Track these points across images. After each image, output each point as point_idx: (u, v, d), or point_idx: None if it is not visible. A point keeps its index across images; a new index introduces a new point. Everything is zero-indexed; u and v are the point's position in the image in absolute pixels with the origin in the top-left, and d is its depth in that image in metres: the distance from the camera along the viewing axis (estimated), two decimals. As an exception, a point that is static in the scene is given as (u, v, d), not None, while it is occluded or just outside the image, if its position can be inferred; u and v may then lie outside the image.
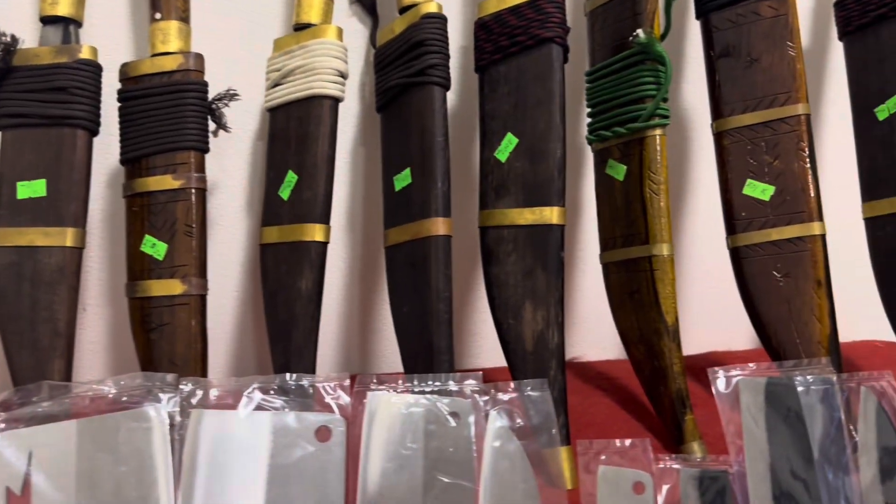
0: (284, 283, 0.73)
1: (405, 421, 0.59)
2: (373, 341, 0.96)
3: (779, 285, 0.78)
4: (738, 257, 0.80)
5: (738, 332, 0.97)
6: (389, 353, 0.95)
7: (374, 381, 0.60)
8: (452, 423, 0.59)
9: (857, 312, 0.91)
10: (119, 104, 0.75)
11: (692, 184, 1.03)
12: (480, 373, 0.60)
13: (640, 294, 0.79)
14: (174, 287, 0.71)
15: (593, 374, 0.91)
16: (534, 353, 0.73)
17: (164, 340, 0.70)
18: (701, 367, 0.89)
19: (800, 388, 0.67)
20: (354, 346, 0.94)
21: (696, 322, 1.01)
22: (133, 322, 0.72)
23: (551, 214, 0.74)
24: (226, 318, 0.89)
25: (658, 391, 0.78)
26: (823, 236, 0.77)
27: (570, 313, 1.01)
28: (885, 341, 0.99)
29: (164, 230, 0.71)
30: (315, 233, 0.73)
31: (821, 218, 0.78)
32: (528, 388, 0.62)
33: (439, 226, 0.72)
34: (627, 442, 0.62)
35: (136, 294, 0.72)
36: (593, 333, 1.00)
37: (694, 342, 0.98)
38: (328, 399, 0.60)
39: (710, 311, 1.01)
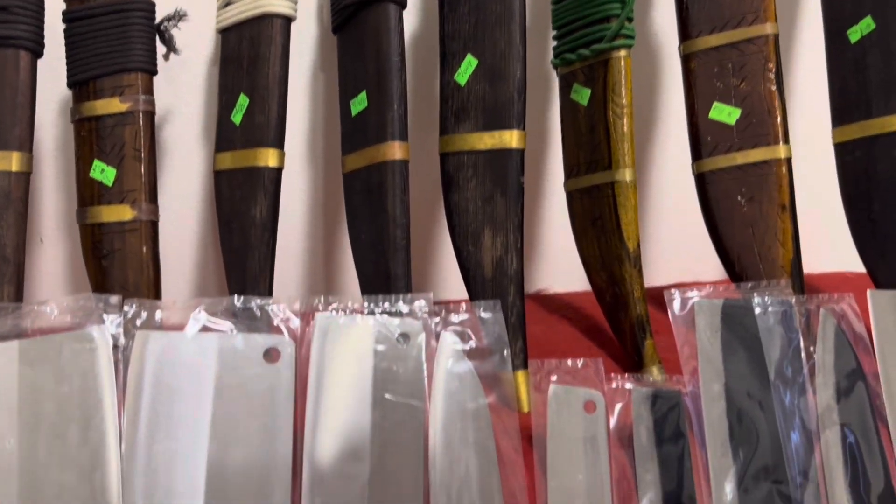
0: (238, 210, 0.72)
1: (354, 342, 0.58)
2: (335, 272, 0.95)
3: (742, 210, 0.77)
4: (703, 183, 0.79)
5: (706, 264, 0.96)
6: (352, 284, 0.94)
7: (324, 302, 0.59)
8: (402, 344, 0.59)
9: (829, 242, 0.91)
10: (65, 25, 0.73)
11: (663, 111, 1.00)
12: (430, 294, 0.60)
13: (602, 221, 0.78)
14: (124, 213, 0.69)
15: (558, 305, 0.90)
16: (493, 280, 0.72)
17: (115, 267, 0.69)
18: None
19: (757, 310, 0.66)
20: (318, 278, 0.94)
21: (663, 253, 1.00)
22: (84, 249, 0.71)
23: (511, 138, 0.72)
24: (183, 248, 0.88)
25: (618, 317, 0.78)
26: (789, 160, 0.76)
27: (537, 246, 1.01)
28: (855, 272, 0.99)
29: (113, 155, 0.69)
30: (268, 158, 0.72)
31: (787, 141, 0.76)
32: (481, 309, 0.61)
33: (395, 150, 0.70)
34: (579, 361, 0.61)
35: (87, 220, 0.71)
36: (560, 266, 1.00)
37: (662, 274, 0.98)
38: (277, 321, 0.59)
39: (678, 242, 1.00)
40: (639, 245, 0.76)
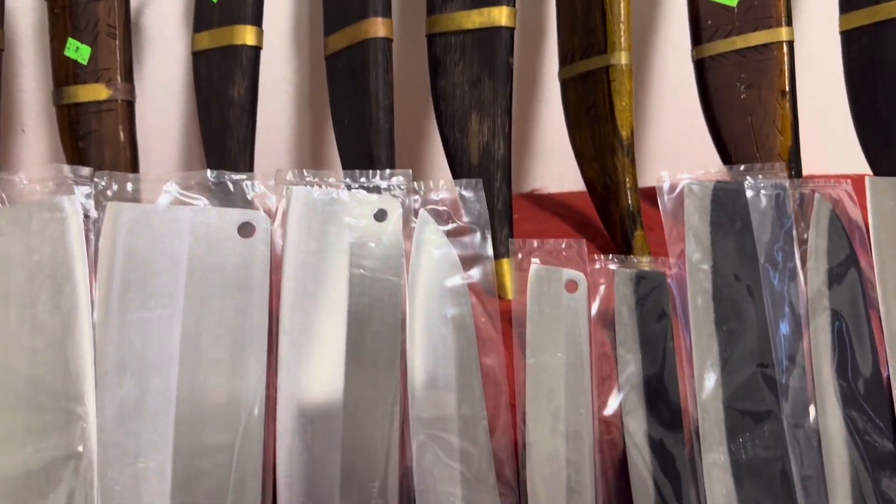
0: (217, 90, 0.70)
1: (328, 216, 0.57)
2: (320, 158, 0.93)
3: (741, 97, 0.74)
4: (702, 69, 0.75)
5: (702, 158, 0.94)
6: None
7: (300, 176, 0.58)
8: (379, 220, 0.58)
9: (828, 142, 0.88)
10: None
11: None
12: (409, 171, 0.58)
13: (595, 109, 0.75)
14: (100, 92, 0.67)
15: (551, 203, 0.88)
16: (479, 166, 0.70)
17: (92, 148, 0.68)
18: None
19: (750, 193, 0.64)
20: (303, 163, 0.92)
21: (659, 147, 0.98)
22: (62, 131, 0.70)
23: (500, 15, 0.69)
24: (164, 132, 0.86)
25: (609, 209, 0.76)
26: (791, 43, 0.73)
27: (533, 145, 0.98)
28: (856, 174, 0.97)
29: (87, 32, 0.67)
30: (245, 35, 0.69)
31: (789, 23, 0.73)
32: (462, 187, 0.60)
33: (378, 27, 0.68)
34: (563, 242, 0.60)
35: (63, 101, 0.69)
36: (556, 166, 0.98)
37: (657, 169, 0.95)
38: (251, 196, 0.58)
39: (674, 134, 0.97)
40: (632, 133, 0.74)
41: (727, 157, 0.76)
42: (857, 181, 0.69)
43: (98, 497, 0.50)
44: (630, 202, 0.73)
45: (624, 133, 0.73)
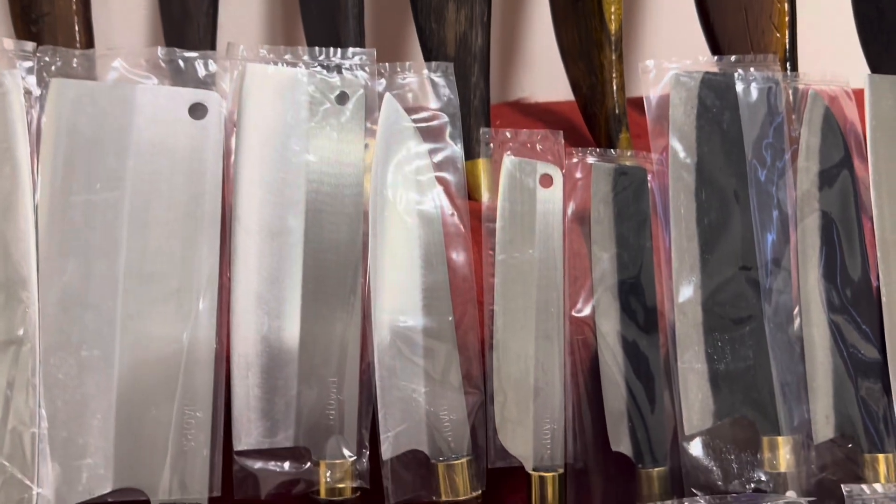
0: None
1: (285, 97, 0.53)
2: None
3: (737, -9, 0.70)
4: (696, -38, 0.72)
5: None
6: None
7: (252, 52, 0.54)
8: (340, 102, 0.54)
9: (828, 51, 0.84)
10: None
11: None
12: (374, 50, 0.55)
13: (583, 1, 0.71)
14: (52, -29, 0.64)
15: (537, 111, 0.85)
16: (455, 59, 0.65)
17: (45, 33, 0.64)
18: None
19: (740, 86, 0.60)
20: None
21: (648, 47, 0.93)
22: (14, 17, 0.66)
23: None
24: (125, 19, 0.82)
25: (594, 111, 0.72)
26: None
27: (522, 52, 0.94)
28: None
29: None
30: (207, -88, 0.65)
31: None
32: (431, 71, 0.56)
33: None
34: (538, 133, 0.57)
35: (14, -18, 0.66)
36: (545, 75, 0.93)
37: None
38: (203, 75, 0.54)
39: (665, 34, 0.93)
40: (621, 28, 0.70)
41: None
42: (857, 94, 0.66)
43: (40, 384, 0.48)
44: (616, 101, 0.69)
45: (612, 27, 0.69)
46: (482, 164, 0.65)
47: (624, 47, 0.70)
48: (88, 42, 0.65)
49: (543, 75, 0.93)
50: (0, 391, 0.47)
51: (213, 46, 0.66)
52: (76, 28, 0.64)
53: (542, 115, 0.83)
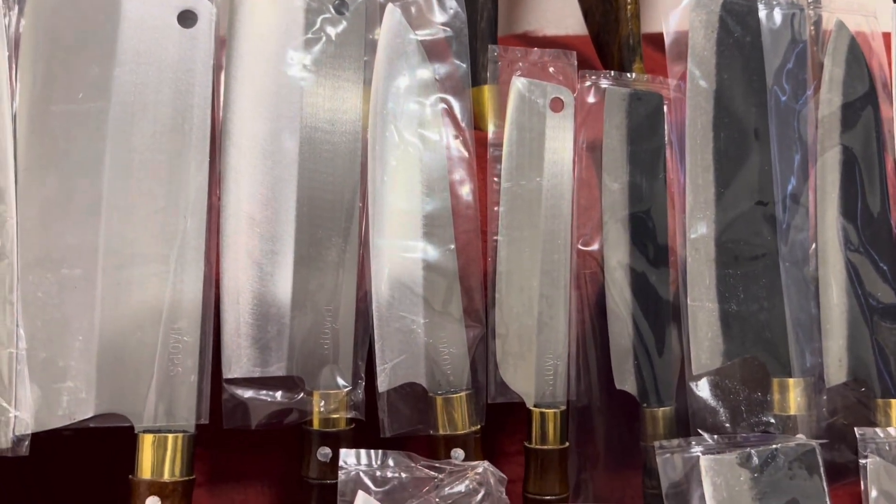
0: None
1: (280, 4, 0.49)
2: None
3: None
4: None
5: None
6: None
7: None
8: (338, 11, 0.51)
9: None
10: None
11: None
12: (378, -42, 0.51)
13: (597, -77, 0.68)
14: None
15: (544, 43, 0.81)
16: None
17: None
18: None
19: (762, 11, 0.57)
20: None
21: None
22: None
23: None
24: None
25: (607, 40, 0.69)
26: None
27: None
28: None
29: None
30: None
31: None
32: (436, -19, 0.53)
33: None
34: (550, 52, 0.54)
35: None
36: (553, 9, 0.90)
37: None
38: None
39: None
40: (636, -50, 0.66)
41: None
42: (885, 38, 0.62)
43: (18, 302, 0.46)
44: (630, 29, 0.66)
45: (627, -50, 0.66)
46: (488, 91, 0.63)
47: (640, -28, 0.67)
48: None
49: (551, 8, 0.89)
50: (-25, 309, 0.46)
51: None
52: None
53: (551, 48, 0.79)
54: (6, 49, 0.47)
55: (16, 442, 0.45)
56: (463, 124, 0.53)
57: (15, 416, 0.45)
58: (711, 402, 0.55)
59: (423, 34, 0.52)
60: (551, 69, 0.53)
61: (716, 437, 0.51)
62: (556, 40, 0.82)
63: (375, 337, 0.51)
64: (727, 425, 0.55)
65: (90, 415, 0.46)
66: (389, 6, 0.51)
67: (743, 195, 0.55)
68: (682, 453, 0.50)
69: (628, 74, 0.54)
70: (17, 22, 0.48)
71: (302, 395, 0.50)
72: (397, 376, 0.51)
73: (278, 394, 0.50)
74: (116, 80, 0.48)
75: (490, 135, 0.53)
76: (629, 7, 0.66)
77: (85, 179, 0.47)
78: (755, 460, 0.50)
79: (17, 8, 0.48)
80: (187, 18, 0.49)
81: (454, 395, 0.51)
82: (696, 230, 0.54)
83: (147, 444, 0.46)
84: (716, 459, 0.49)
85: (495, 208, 0.53)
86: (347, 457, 0.46)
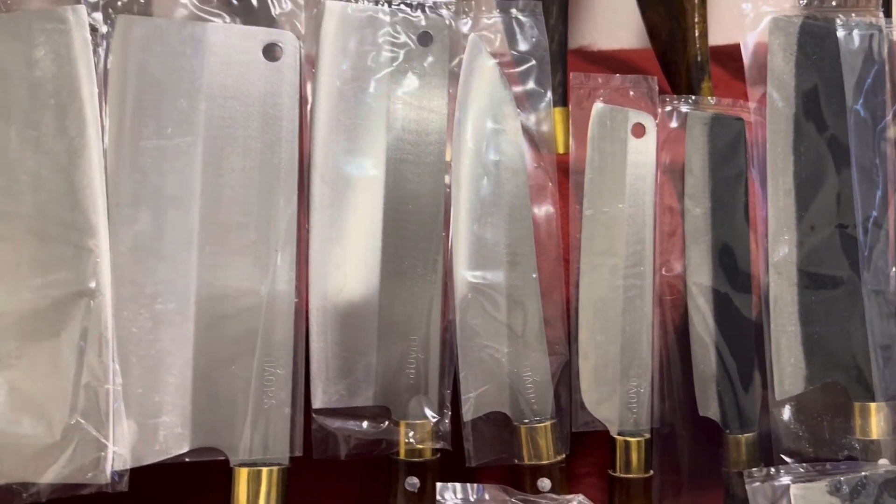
0: None
1: (365, 37, 0.50)
2: None
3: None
4: None
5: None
6: None
7: (331, -8, 0.51)
8: (423, 43, 0.51)
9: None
10: None
11: None
12: (460, -13, 0.51)
13: (663, -58, 0.67)
14: None
15: (602, 58, 0.80)
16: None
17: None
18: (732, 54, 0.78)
19: (840, 32, 0.57)
20: None
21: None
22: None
23: None
24: None
25: (674, 59, 0.68)
26: None
27: (581, 1, 0.90)
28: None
29: None
30: None
31: None
32: (518, 10, 0.53)
33: None
34: (630, 78, 0.53)
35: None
36: (608, 22, 0.89)
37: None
38: (278, 14, 0.51)
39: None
40: (704, -30, 0.66)
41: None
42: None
43: (112, 339, 0.46)
44: (699, 48, 0.65)
45: (695, -31, 0.65)
46: (559, 114, 0.62)
47: (706, -9, 0.67)
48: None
49: (603, 22, 0.89)
50: (73, 345, 0.45)
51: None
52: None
53: (609, 63, 0.78)
54: (95, 84, 0.48)
55: (115, 477, 0.45)
56: (544, 150, 0.53)
57: (113, 452, 0.46)
58: (794, 427, 0.55)
59: (506, 62, 0.52)
60: (631, 94, 0.53)
61: (805, 465, 0.51)
62: (611, 54, 0.82)
63: (459, 366, 0.51)
64: (810, 450, 0.55)
65: (186, 449, 0.46)
66: (472, 36, 0.50)
67: (824, 218, 0.55)
68: (771, 482, 0.50)
69: (710, 99, 0.54)
70: (105, 58, 0.49)
71: (388, 424, 0.51)
72: (481, 405, 0.51)
73: (365, 424, 0.50)
74: (205, 115, 0.48)
75: (571, 161, 0.53)
76: (697, 27, 0.65)
77: (177, 214, 0.47)
78: (845, 488, 0.49)
79: (105, 44, 0.49)
80: (273, 52, 0.50)
81: (539, 425, 0.51)
82: (777, 254, 0.54)
83: (242, 477, 0.46)
84: (806, 488, 0.49)
85: (577, 235, 0.53)
86: (444, 491, 0.46)
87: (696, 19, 0.66)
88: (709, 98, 0.52)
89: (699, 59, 0.67)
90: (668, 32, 0.69)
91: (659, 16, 0.69)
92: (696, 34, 0.67)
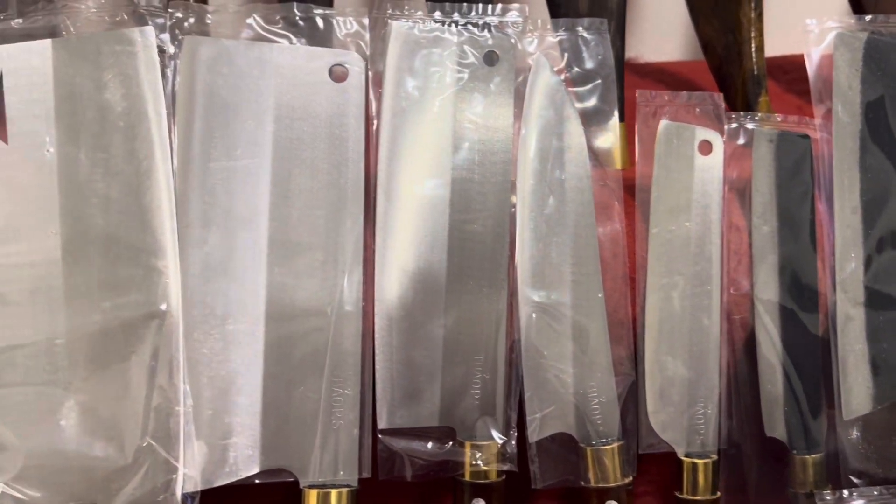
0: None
1: (431, 57, 0.49)
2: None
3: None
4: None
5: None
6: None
7: (393, 11, 0.51)
8: (488, 63, 0.51)
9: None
10: None
11: None
12: (525, 7, 0.51)
13: (719, -45, 0.67)
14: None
15: (651, 71, 0.80)
16: (588, 15, 0.62)
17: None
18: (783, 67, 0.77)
19: (908, 48, 0.57)
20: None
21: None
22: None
23: None
24: None
25: (729, 72, 0.67)
26: None
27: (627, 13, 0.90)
28: None
29: None
30: None
31: None
32: (583, 28, 0.53)
33: None
34: (696, 94, 0.53)
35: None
36: (653, 36, 0.89)
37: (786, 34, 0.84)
38: (343, 35, 0.51)
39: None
40: (761, -17, 0.65)
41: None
42: None
43: (183, 360, 0.46)
44: (755, 62, 0.65)
45: (752, -18, 0.65)
46: (619, 130, 0.62)
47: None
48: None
49: (649, 35, 0.89)
50: (144, 367, 0.45)
51: (330, 3, 0.63)
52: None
53: (659, 76, 0.78)
54: (164, 106, 0.48)
55: (186, 500, 0.45)
56: (609, 169, 0.53)
57: (184, 474, 0.46)
58: (862, 447, 0.54)
59: (571, 80, 0.51)
60: (697, 110, 0.52)
61: (878, 488, 0.50)
62: (659, 66, 0.81)
63: (525, 387, 0.50)
64: (879, 471, 0.54)
65: (256, 471, 0.46)
66: (537, 55, 0.50)
67: (891, 236, 0.54)
68: (843, 504, 0.49)
69: (776, 116, 0.53)
70: (174, 79, 0.49)
71: (453, 445, 0.51)
72: (547, 426, 0.50)
73: (430, 444, 0.50)
74: (272, 136, 0.48)
75: (637, 179, 0.53)
76: (754, 40, 0.65)
77: (246, 235, 0.47)
78: (920, 511, 0.49)
79: (172, 65, 0.49)
80: (339, 72, 0.50)
81: (605, 447, 0.50)
82: (844, 272, 0.53)
83: (312, 499, 0.46)
84: (880, 511, 0.48)
85: (643, 254, 0.52)
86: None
87: (753, 33, 0.66)
88: (775, 115, 0.52)
89: (756, 73, 0.66)
90: (723, 46, 0.68)
91: (714, 29, 0.69)
92: (753, 48, 0.66)
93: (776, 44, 0.78)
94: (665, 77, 0.78)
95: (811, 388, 0.53)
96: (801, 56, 0.79)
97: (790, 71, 0.81)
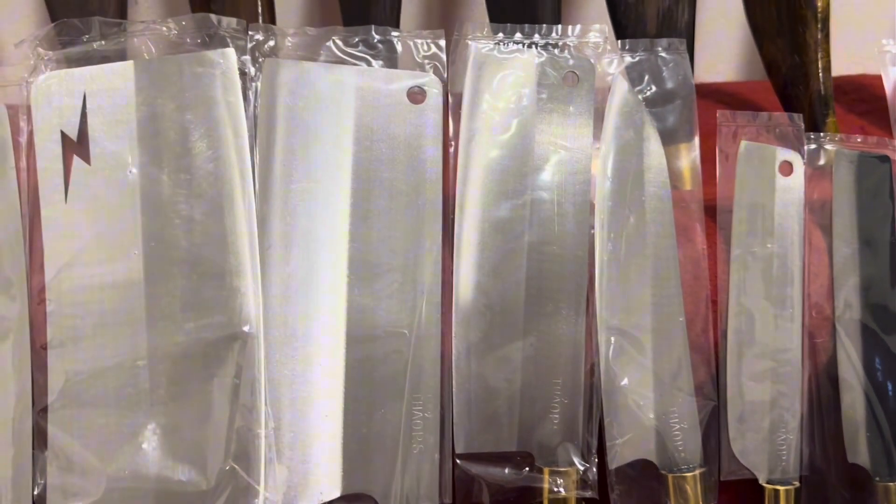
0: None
1: (511, 78, 0.49)
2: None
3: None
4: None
5: None
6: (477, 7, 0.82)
7: (471, 34, 0.51)
8: (569, 84, 0.50)
9: None
10: None
11: None
12: (605, 27, 0.51)
13: (784, -25, 0.66)
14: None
15: (709, 92, 0.79)
16: (657, 37, 0.62)
17: (226, 11, 0.61)
18: (842, 87, 0.76)
19: None
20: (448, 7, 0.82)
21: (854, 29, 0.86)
22: (190, -6, 0.64)
23: None
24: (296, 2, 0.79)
25: (795, 93, 0.67)
26: None
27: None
28: None
29: None
30: None
31: None
32: (661, 48, 0.52)
33: None
34: (776, 115, 0.52)
35: (193, -43, 0.63)
36: (705, 57, 0.88)
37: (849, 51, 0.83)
38: (420, 58, 0.51)
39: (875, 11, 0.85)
40: (829, 5, 0.65)
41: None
42: None
43: (264, 382, 0.46)
44: (822, 83, 0.64)
45: (820, 3, 0.64)
46: (685, 149, 0.61)
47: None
48: (271, 21, 0.62)
49: (702, 56, 0.87)
50: (226, 389, 0.45)
51: (397, 25, 0.63)
52: (260, 4, 0.61)
53: (718, 97, 0.77)
54: (245, 128, 0.48)
55: (267, 525, 0.45)
56: (690, 190, 0.52)
57: (266, 498, 0.45)
58: (948, 475, 0.53)
59: (651, 100, 0.51)
60: (777, 131, 0.52)
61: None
62: (717, 87, 0.81)
63: (605, 412, 0.50)
64: (964, 499, 0.53)
65: (337, 495, 0.46)
66: (617, 75, 0.50)
67: (975, 258, 0.53)
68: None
69: (857, 138, 0.52)
70: (255, 101, 0.49)
71: (531, 471, 0.50)
72: (627, 453, 0.50)
73: (508, 470, 0.49)
74: (352, 158, 0.48)
75: (718, 200, 0.52)
76: (820, 62, 0.64)
77: (326, 256, 0.47)
78: None
79: (253, 87, 0.49)
80: (417, 94, 0.50)
81: (687, 474, 0.49)
82: (927, 296, 0.52)
83: (390, 525, 0.46)
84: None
85: (724, 276, 0.51)
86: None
87: (820, 54, 0.65)
88: (855, 136, 0.51)
89: (823, 93, 0.65)
90: (788, 66, 0.67)
91: (779, 49, 0.68)
92: (820, 68, 0.65)
93: (838, 64, 0.77)
94: (724, 97, 0.77)
95: (894, 413, 0.52)
96: (861, 77, 0.79)
97: (849, 91, 0.81)
